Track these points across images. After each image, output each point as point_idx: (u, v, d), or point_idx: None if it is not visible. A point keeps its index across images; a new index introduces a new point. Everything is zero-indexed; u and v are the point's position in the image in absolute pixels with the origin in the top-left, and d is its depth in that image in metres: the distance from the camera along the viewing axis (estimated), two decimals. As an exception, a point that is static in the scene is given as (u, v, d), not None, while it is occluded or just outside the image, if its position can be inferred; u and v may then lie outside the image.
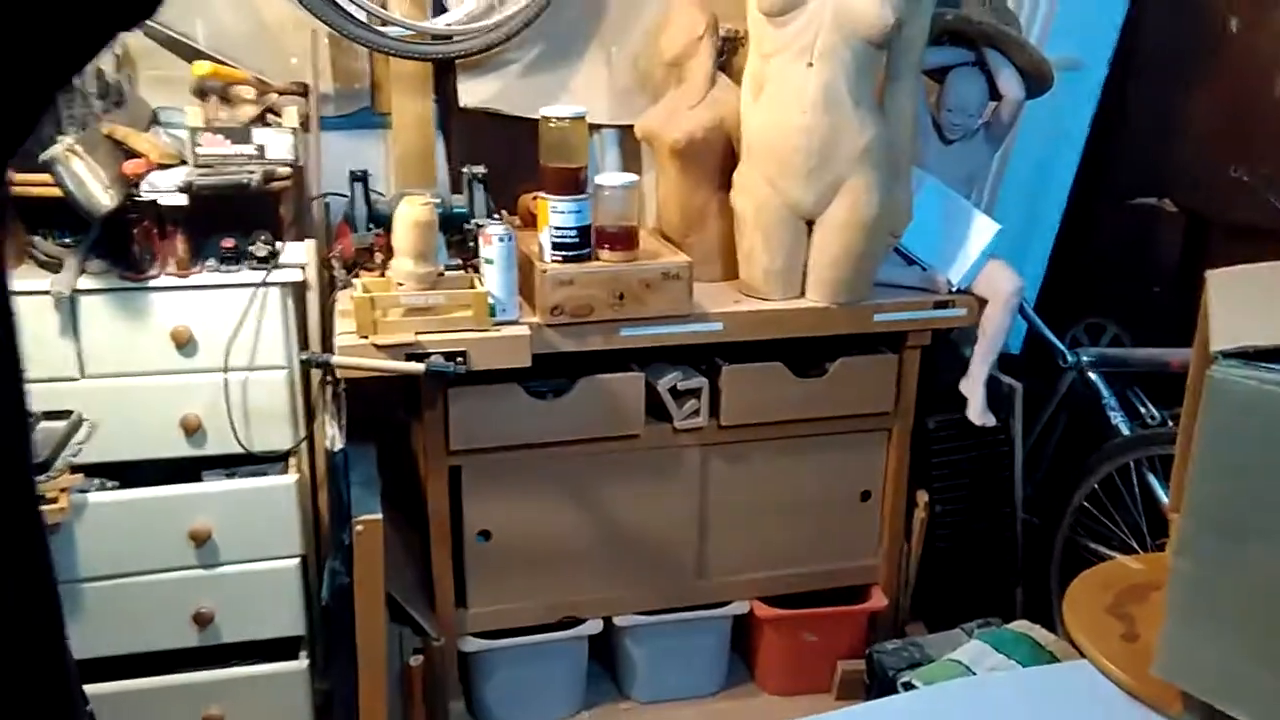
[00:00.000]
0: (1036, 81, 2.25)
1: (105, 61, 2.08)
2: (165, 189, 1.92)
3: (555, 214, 1.98)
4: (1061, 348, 2.46)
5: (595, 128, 2.39)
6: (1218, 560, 1.33)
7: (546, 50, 2.36)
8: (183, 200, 1.92)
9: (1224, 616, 1.34)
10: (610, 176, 2.07)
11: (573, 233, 1.99)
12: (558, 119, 1.99)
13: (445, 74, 2.35)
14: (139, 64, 2.22)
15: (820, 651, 2.37)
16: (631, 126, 2.35)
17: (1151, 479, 2.31)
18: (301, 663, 2.12)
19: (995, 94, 2.26)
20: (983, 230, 2.24)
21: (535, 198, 2.08)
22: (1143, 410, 2.46)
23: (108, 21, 0.45)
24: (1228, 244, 2.47)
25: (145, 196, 1.92)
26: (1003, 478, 2.43)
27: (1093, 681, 1.57)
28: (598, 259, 2.03)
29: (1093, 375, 2.44)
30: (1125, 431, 2.38)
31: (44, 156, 1.80)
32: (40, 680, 0.39)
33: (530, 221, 2.19)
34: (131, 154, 1.95)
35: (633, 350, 2.10)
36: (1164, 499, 2.25)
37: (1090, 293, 2.73)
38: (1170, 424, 2.36)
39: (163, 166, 1.96)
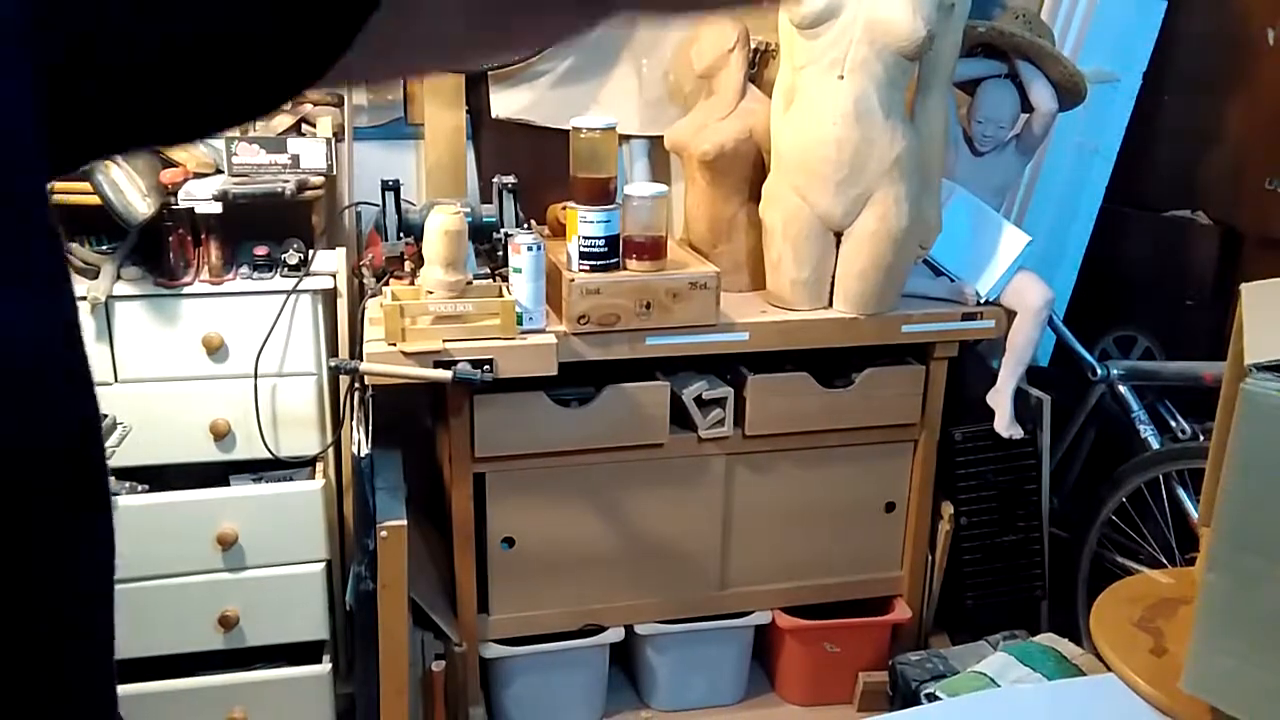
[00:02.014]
0: (1069, 94, 2.23)
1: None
2: (201, 197, 1.95)
3: (584, 224, 2.00)
4: (1091, 360, 2.43)
5: (624, 138, 2.40)
6: (1248, 575, 1.32)
7: (578, 62, 2.38)
8: (217, 208, 1.95)
9: (1255, 631, 1.33)
10: (639, 187, 2.08)
11: (601, 242, 2.00)
12: (588, 129, 2.00)
13: (477, 85, 2.37)
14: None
15: (842, 662, 2.36)
16: (660, 137, 2.36)
17: (1181, 493, 2.28)
18: (325, 666, 2.14)
19: (1027, 106, 2.26)
20: (1012, 242, 2.23)
21: (564, 208, 2.10)
22: (1173, 424, 2.43)
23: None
24: (1262, 257, 2.44)
25: (181, 204, 1.94)
26: (1029, 490, 2.41)
27: (1120, 695, 1.55)
28: (625, 269, 2.04)
29: (1122, 388, 2.42)
30: (1155, 445, 2.35)
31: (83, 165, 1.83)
32: (88, 679, 0.39)
33: (559, 231, 2.21)
34: (169, 163, 1.98)
35: (658, 359, 2.11)
36: (1194, 513, 2.22)
37: (1121, 305, 2.70)
38: (1201, 438, 2.33)
39: (199, 175, 2.00)
